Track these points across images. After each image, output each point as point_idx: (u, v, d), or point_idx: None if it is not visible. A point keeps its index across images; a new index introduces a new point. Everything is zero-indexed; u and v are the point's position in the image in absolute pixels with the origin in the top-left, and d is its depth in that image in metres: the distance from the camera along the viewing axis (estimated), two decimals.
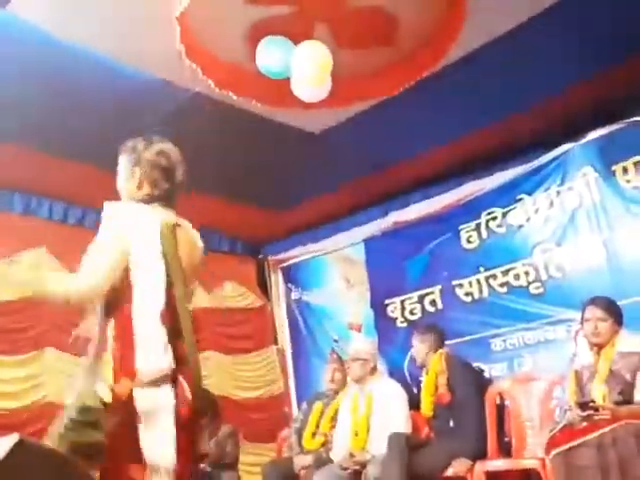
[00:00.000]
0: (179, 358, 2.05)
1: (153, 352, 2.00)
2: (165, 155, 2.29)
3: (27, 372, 5.43)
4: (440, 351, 4.31)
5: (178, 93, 4.48)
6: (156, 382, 1.98)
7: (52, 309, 5.62)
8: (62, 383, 5.55)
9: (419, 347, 4.39)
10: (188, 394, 2.09)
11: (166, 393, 2.00)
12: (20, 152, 4.91)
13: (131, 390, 1.96)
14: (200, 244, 2.36)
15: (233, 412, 5.98)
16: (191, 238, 2.29)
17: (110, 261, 2.04)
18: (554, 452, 3.16)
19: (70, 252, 5.68)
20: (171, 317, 2.06)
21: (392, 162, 5.65)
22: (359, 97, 4.44)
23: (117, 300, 2.09)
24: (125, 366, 2.00)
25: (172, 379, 2.03)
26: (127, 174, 2.28)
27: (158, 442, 1.96)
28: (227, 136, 5.09)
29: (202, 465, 4.84)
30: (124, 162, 2.32)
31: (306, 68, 3.52)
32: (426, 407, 4.19)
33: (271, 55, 3.59)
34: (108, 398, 1.94)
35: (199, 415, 2.19)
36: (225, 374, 6.61)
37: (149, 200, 2.21)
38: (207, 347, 6.57)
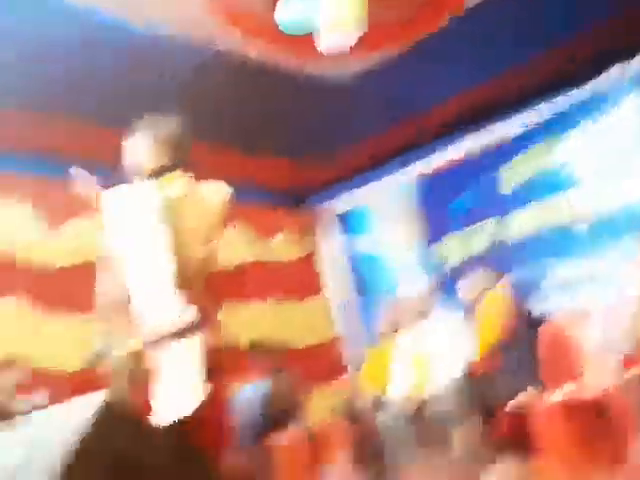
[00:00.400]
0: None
1: (172, 308, 2.23)
2: (174, 132, 2.49)
3: (92, 333, 5.66)
4: (495, 288, 4.33)
5: (205, 49, 4.45)
6: (174, 334, 2.20)
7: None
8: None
9: (472, 284, 4.41)
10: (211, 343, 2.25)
11: (183, 342, 2.21)
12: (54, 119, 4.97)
13: (155, 340, 2.20)
14: (218, 201, 2.48)
15: (291, 359, 6.15)
16: (203, 200, 2.43)
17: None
18: (627, 376, 3.17)
19: None
20: (184, 278, 2.26)
21: (426, 106, 5.59)
22: (390, 42, 4.36)
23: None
24: (143, 321, 2.25)
25: (195, 331, 2.23)
26: (141, 150, 2.45)
27: (175, 386, 2.15)
28: (258, 91, 5.07)
29: (269, 410, 5.04)
30: (138, 138, 2.49)
31: (337, 12, 3.40)
32: (484, 343, 4.24)
33: (290, 10, 3.45)
34: (131, 348, 2.25)
35: (220, 366, 2.32)
36: (277, 322, 6.77)
37: (160, 172, 2.40)
38: (258, 299, 6.74)
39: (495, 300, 4.25)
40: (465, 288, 4.47)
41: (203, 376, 2.15)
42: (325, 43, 3.60)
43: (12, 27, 3.96)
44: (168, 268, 2.25)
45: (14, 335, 5.26)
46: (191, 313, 2.22)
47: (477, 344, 4.29)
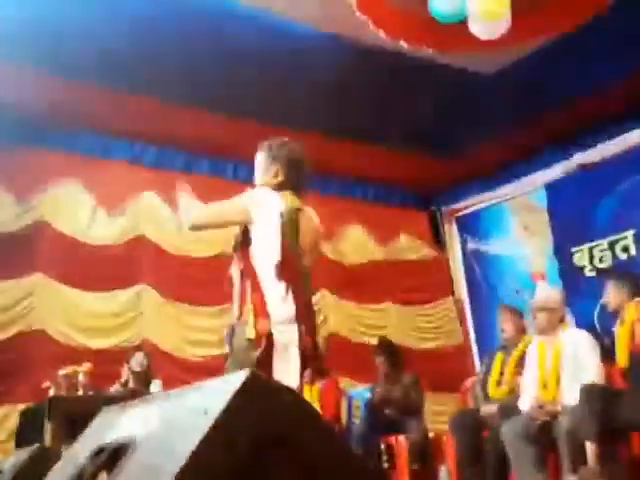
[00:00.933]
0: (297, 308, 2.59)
1: (278, 300, 2.57)
2: (295, 153, 2.83)
3: (224, 321, 5.87)
4: (637, 299, 4.01)
5: (350, 46, 4.51)
6: (284, 323, 2.54)
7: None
8: None
9: (615, 293, 4.10)
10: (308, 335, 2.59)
11: (293, 331, 2.54)
12: (203, 117, 5.24)
13: (269, 328, 2.50)
14: (318, 225, 2.87)
15: (414, 362, 6.06)
16: (311, 220, 2.83)
17: (220, 215, 2.78)
18: None
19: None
20: (289, 274, 2.60)
21: (570, 101, 5.29)
22: (537, 33, 4.18)
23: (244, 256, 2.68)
24: (261, 310, 2.54)
25: (295, 321, 2.56)
26: (264, 167, 2.83)
27: (287, 370, 2.50)
28: (397, 86, 5.06)
29: (388, 411, 4.99)
30: (262, 158, 2.85)
31: (482, 6, 3.36)
32: (622, 357, 3.94)
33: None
34: (252, 335, 2.49)
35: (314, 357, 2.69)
36: (403, 324, 6.70)
37: (280, 187, 2.75)
38: (383, 299, 6.71)
39: (638, 311, 3.93)
40: (609, 295, 4.16)
41: (297, 364, 2.51)
42: (476, 31, 3.57)
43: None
44: (278, 265, 2.59)
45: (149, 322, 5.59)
46: (290, 308, 2.57)
47: (617, 355, 4.00)
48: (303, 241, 2.71)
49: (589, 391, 3.76)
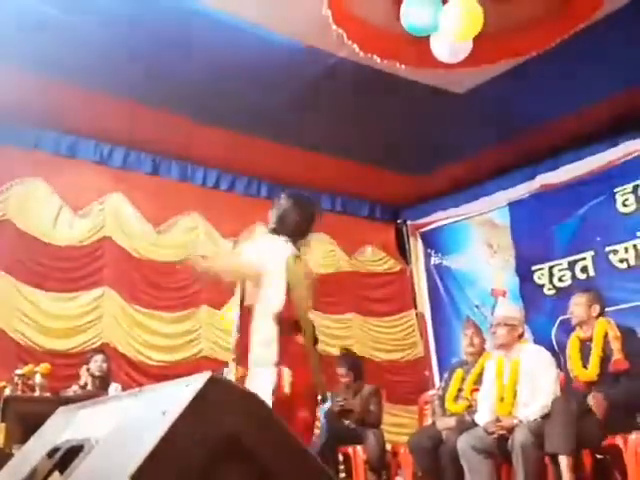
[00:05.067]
0: (292, 351, 2.85)
1: (263, 344, 2.84)
2: (282, 206, 3.23)
3: (185, 328, 5.85)
4: (606, 317, 4.10)
5: (323, 59, 4.55)
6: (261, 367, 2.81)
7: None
8: (215, 339, 5.94)
9: (581, 307, 4.18)
10: (287, 381, 2.80)
11: (269, 375, 2.78)
12: (173, 120, 5.23)
13: (244, 374, 2.80)
14: (311, 271, 3.29)
15: (374, 373, 6.09)
16: (307, 266, 3.19)
17: (246, 262, 3.08)
18: None
19: (221, 216, 6.13)
20: (289, 316, 2.87)
21: (540, 122, 5.42)
22: (506, 54, 4.27)
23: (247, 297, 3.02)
24: (242, 357, 2.85)
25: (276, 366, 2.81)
26: (271, 217, 3.27)
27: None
28: (368, 101, 5.11)
29: (347, 422, 5.01)
30: (273, 208, 3.29)
31: (456, 24, 3.41)
32: (592, 372, 4.01)
33: (417, 12, 3.51)
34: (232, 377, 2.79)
35: (316, 392, 2.94)
36: (365, 336, 6.74)
37: (275, 232, 3.18)
38: (348, 309, 6.74)
39: (612, 328, 4.01)
40: (575, 308, 4.23)
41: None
42: (439, 52, 3.62)
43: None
44: (278, 305, 2.91)
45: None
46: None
47: (576, 366, 4.09)
48: (303, 287, 3.01)
49: (561, 404, 3.83)
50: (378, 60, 4.17)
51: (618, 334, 3.93)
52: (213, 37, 4.32)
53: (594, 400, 3.84)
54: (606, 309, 4.20)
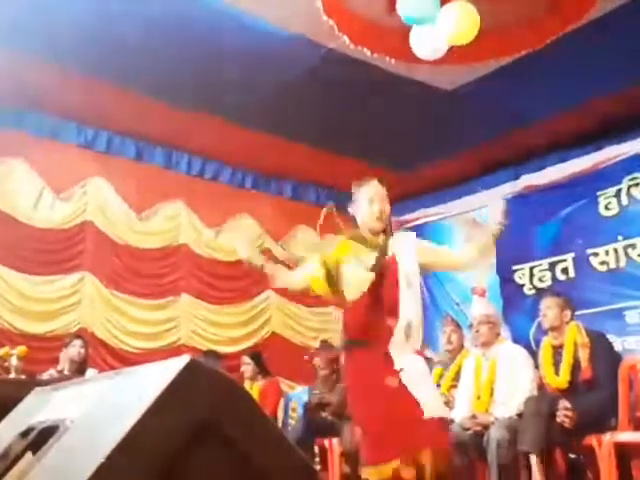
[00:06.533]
0: None
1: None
2: None
3: (165, 315, 5.82)
4: (576, 322, 4.12)
5: (312, 50, 4.52)
6: None
7: (189, 258, 5.98)
8: (194, 328, 5.91)
9: (552, 311, 4.20)
10: None
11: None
12: (160, 108, 5.18)
13: None
14: None
15: None
16: None
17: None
18: None
19: (204, 205, 6.09)
20: None
21: (526, 123, 5.44)
22: (498, 52, 4.28)
23: None
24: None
25: None
26: None
27: None
28: (355, 95, 5.09)
29: (325, 414, 5.01)
30: None
31: (454, 26, 3.42)
32: (562, 380, 4.02)
33: (415, 2, 3.50)
34: None
35: None
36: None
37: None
38: (328, 302, 6.73)
39: (581, 334, 4.02)
40: (547, 312, 4.24)
41: None
42: (415, 49, 3.62)
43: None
44: None
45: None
46: None
47: (548, 372, 4.11)
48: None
49: (535, 402, 3.85)
50: (368, 54, 4.16)
51: (586, 340, 3.94)
52: (199, 24, 4.28)
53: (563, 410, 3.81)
54: (585, 311, 4.24)
